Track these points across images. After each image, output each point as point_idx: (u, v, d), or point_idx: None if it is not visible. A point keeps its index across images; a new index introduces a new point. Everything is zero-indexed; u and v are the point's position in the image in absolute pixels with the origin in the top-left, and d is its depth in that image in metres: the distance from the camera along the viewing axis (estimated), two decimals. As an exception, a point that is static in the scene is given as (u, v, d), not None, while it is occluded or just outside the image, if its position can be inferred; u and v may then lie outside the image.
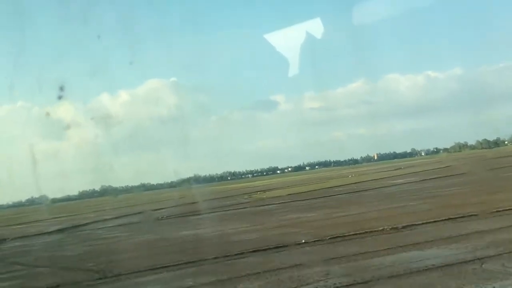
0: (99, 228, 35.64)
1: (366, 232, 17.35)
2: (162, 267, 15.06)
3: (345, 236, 16.99)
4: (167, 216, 37.86)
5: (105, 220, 43.38)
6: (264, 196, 49.66)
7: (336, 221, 21.90)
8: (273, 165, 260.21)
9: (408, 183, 45.80)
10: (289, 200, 39.73)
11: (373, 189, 42.03)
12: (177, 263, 15.39)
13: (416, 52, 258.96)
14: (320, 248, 15.71)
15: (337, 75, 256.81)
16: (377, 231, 17.36)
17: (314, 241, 16.76)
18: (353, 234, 17.14)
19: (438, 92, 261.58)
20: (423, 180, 45.83)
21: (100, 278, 14.71)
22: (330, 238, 16.79)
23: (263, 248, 16.29)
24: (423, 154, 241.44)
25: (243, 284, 11.82)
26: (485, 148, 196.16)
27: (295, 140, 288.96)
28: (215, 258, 15.44)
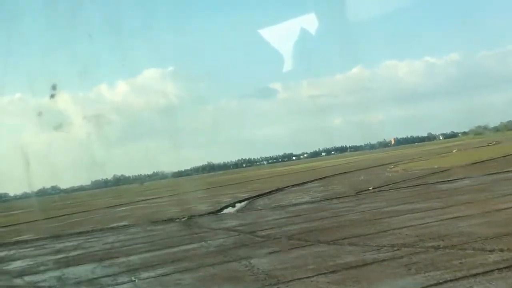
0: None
1: None
2: None
3: None
4: (378, 186, 28.56)
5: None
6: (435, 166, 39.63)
7: None
8: (286, 151, 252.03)
9: None
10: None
11: None
12: None
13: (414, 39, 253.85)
14: None
15: (335, 63, 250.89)
16: None
17: None
18: None
19: (441, 77, 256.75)
20: None
21: None
22: None
23: None
24: (441, 138, 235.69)
25: None
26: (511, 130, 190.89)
27: (297, 128, 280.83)
28: None
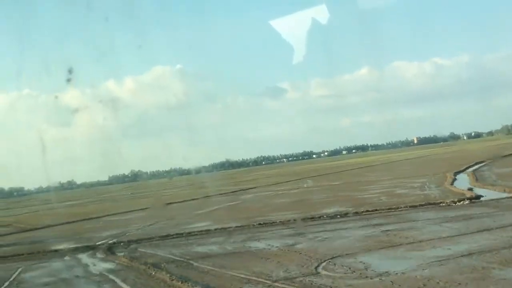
0: None
1: None
2: None
3: None
4: None
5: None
6: None
7: None
8: (303, 150, 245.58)
9: None
10: None
11: None
12: None
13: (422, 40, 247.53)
14: None
15: (344, 63, 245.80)
16: None
17: None
18: None
19: (457, 78, 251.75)
20: None
21: None
22: None
23: None
24: (465, 138, 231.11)
25: None
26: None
27: (311, 127, 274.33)
28: None
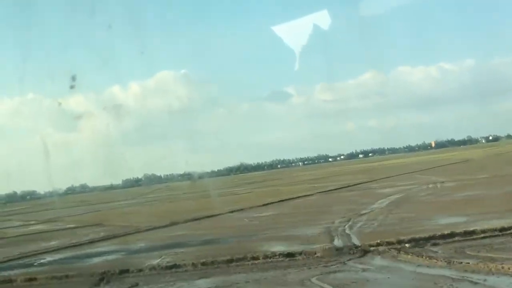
0: None
1: None
2: None
3: None
4: None
5: None
6: None
7: None
8: (314, 154, 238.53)
9: None
10: None
11: None
12: None
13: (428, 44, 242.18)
14: None
15: (348, 68, 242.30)
16: None
17: None
18: None
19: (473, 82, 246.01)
20: None
21: None
22: None
23: None
24: (483, 141, 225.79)
25: None
26: None
27: (317, 131, 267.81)
28: None
